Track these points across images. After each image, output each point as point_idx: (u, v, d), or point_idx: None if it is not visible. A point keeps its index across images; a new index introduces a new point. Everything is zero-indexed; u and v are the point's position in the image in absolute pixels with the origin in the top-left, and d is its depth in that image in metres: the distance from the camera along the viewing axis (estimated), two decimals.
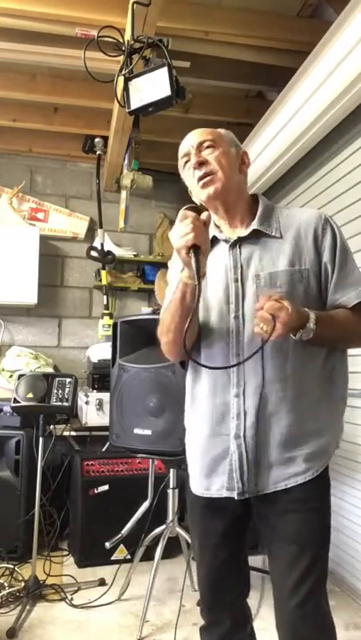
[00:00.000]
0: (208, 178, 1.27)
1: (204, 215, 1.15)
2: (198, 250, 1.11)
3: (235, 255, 1.29)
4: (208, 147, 1.29)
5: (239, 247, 1.29)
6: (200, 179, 1.27)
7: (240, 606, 1.39)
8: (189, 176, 1.31)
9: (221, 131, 1.35)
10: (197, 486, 1.31)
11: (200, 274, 1.11)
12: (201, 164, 1.27)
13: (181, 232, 1.12)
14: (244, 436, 1.22)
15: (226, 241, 1.31)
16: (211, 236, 1.31)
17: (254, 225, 1.29)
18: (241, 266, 1.27)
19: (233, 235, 1.32)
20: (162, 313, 1.31)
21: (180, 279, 1.18)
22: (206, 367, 1.25)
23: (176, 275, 1.23)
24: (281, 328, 1.09)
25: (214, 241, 1.33)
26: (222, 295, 1.27)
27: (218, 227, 1.36)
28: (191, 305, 1.15)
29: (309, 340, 1.16)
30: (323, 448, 1.23)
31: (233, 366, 1.23)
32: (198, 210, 1.17)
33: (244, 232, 1.30)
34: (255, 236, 1.29)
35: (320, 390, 1.24)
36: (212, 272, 1.29)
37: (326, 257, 1.25)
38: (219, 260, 1.30)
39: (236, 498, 1.23)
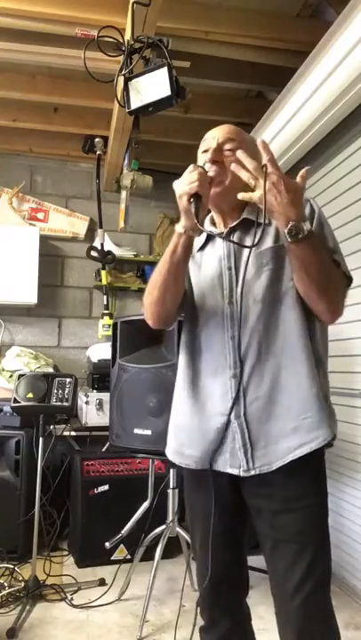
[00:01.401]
0: (215, 180, 1.27)
1: (211, 172, 1.22)
2: (200, 199, 1.17)
3: (228, 245, 1.33)
4: (229, 149, 1.29)
5: (232, 237, 1.33)
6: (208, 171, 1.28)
7: (239, 606, 1.39)
8: (201, 158, 1.33)
9: (248, 138, 1.36)
10: (200, 464, 1.30)
11: (199, 220, 1.16)
12: (215, 162, 1.28)
13: (187, 180, 1.18)
14: (245, 415, 1.24)
15: (220, 235, 1.35)
16: (206, 234, 1.37)
17: (245, 214, 1.32)
18: (234, 254, 1.31)
19: (227, 229, 1.35)
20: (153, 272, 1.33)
21: (175, 230, 1.22)
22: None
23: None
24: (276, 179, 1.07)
25: (209, 237, 1.38)
26: (217, 283, 1.31)
27: (213, 224, 1.40)
28: (181, 258, 1.22)
29: (297, 248, 1.11)
30: (326, 417, 1.23)
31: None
32: (204, 168, 1.23)
33: (235, 222, 1.33)
34: (246, 225, 1.32)
35: (314, 360, 1.24)
36: (208, 265, 1.35)
37: None
38: (214, 254, 1.35)
39: (241, 475, 1.24)
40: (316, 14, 2.60)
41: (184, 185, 1.18)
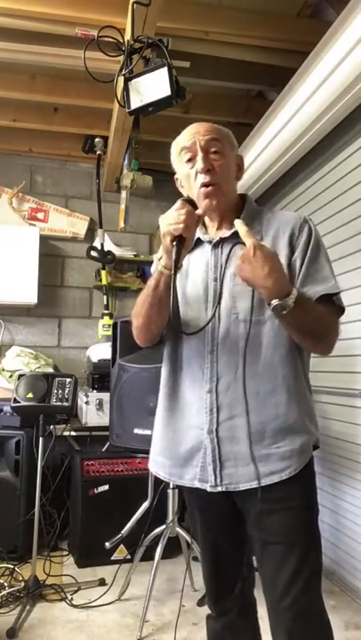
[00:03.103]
0: (211, 189, 1.26)
1: (199, 211, 1.19)
2: (183, 242, 1.15)
3: (216, 255, 1.31)
4: (215, 152, 1.27)
5: (221, 247, 1.31)
6: (203, 185, 1.26)
7: (246, 596, 1.40)
8: (185, 168, 1.30)
9: (227, 133, 1.34)
10: (169, 474, 1.34)
11: (177, 265, 1.14)
12: (208, 170, 1.26)
13: (173, 220, 1.15)
14: (217, 431, 1.23)
15: (209, 242, 1.33)
16: (195, 238, 1.33)
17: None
18: (221, 265, 1.29)
19: (217, 235, 1.33)
20: (138, 297, 1.33)
21: (157, 267, 1.21)
22: (185, 333, 1.28)
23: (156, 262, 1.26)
24: (241, 263, 1.12)
25: (198, 242, 1.35)
26: (202, 294, 1.29)
27: (204, 226, 1.38)
28: (163, 294, 1.19)
29: (284, 319, 1.14)
30: (301, 446, 1.23)
31: (204, 327, 1.22)
32: (195, 204, 1.20)
33: (227, 233, 1.31)
34: (237, 237, 1.28)
35: (294, 387, 1.24)
36: (194, 271, 1.32)
37: (298, 253, 1.26)
38: (201, 260, 1.33)
39: (208, 490, 1.24)
40: (316, 14, 2.60)
41: (170, 224, 1.15)
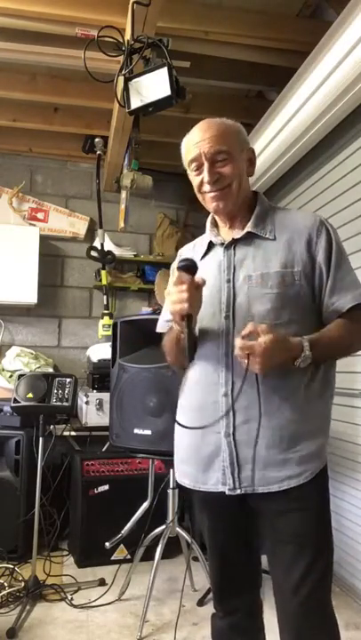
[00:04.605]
0: (220, 192, 1.26)
1: (198, 278, 1.19)
2: (191, 317, 1.19)
3: (229, 256, 1.30)
4: (223, 159, 1.25)
5: (233, 249, 1.31)
6: (211, 191, 1.27)
7: (252, 596, 1.40)
8: (192, 175, 1.31)
9: (235, 132, 1.30)
10: (193, 481, 1.32)
11: (191, 341, 1.19)
12: (216, 181, 1.25)
13: (177, 299, 1.17)
14: (234, 435, 1.23)
15: (221, 244, 1.33)
16: (207, 242, 1.36)
17: (249, 227, 1.30)
18: (234, 267, 1.28)
19: (230, 236, 1.33)
20: (165, 336, 1.39)
21: (174, 324, 1.25)
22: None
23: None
24: (257, 363, 1.12)
25: (210, 245, 1.36)
26: (215, 295, 1.28)
27: (216, 227, 1.38)
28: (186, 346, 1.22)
29: (313, 362, 1.19)
30: (318, 450, 1.23)
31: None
32: (191, 268, 1.19)
33: (239, 234, 1.30)
34: (250, 238, 1.29)
35: (311, 391, 1.23)
36: (207, 274, 1.31)
37: (321, 259, 1.25)
38: (214, 262, 1.32)
39: (227, 493, 1.24)
40: (316, 14, 2.60)
41: (174, 303, 1.17)
